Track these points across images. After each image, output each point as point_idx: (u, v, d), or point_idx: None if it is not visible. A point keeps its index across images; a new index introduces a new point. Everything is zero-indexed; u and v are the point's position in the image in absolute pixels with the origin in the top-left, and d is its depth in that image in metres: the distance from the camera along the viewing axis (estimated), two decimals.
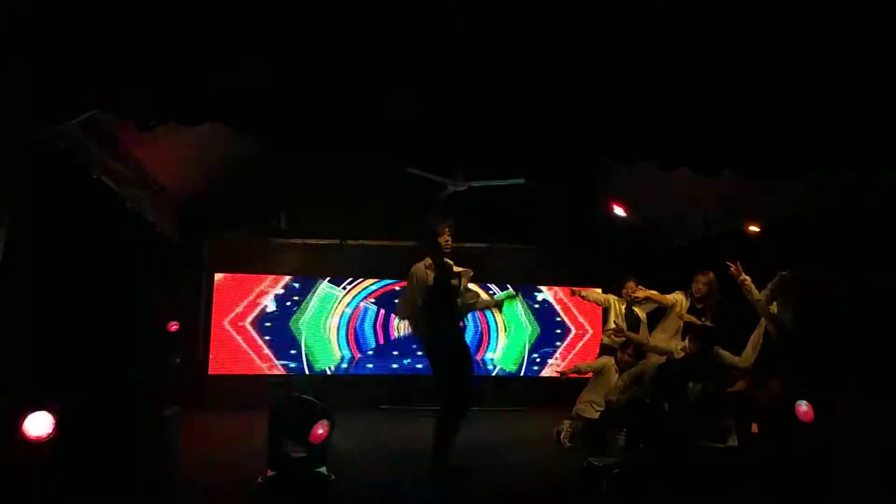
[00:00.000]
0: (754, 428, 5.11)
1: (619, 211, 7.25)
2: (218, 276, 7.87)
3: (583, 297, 6.39)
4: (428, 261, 4.62)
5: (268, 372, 7.85)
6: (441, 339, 4.56)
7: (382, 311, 8.29)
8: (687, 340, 5.38)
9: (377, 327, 8.27)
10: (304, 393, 4.00)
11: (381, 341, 8.26)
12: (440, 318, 4.56)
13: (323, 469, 3.74)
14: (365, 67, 3.67)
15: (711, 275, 5.62)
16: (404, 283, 7.99)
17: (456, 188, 6.96)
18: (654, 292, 5.90)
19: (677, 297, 5.75)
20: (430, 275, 4.56)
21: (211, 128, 3.94)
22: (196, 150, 5.72)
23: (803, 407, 4.26)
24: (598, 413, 5.49)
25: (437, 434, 4.47)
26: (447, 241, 4.64)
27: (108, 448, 3.48)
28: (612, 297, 6.30)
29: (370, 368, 8.20)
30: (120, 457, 3.50)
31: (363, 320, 8.25)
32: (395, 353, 8.26)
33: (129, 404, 3.77)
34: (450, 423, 4.48)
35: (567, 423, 5.68)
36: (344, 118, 3.78)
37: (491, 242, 8.11)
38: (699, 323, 5.56)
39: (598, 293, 6.41)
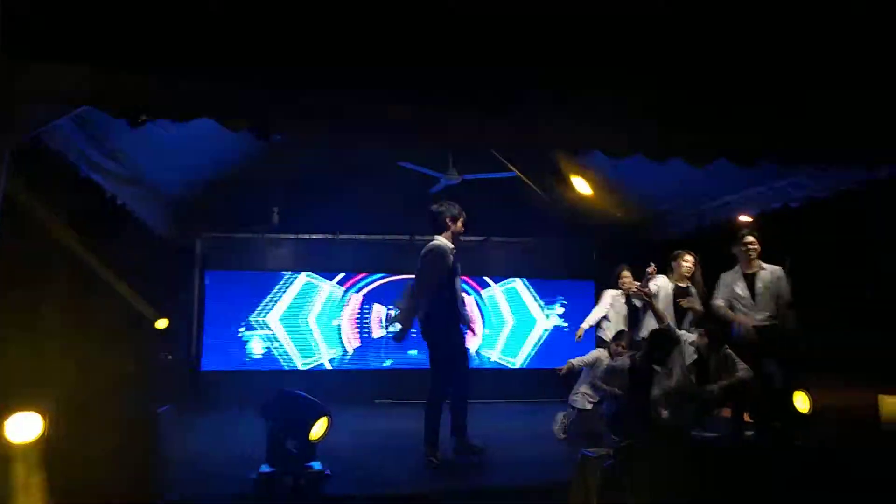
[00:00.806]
0: (745, 417, 5.16)
1: (583, 187, 6.87)
2: (210, 273, 7.86)
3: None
4: (447, 242, 4.65)
5: (261, 368, 7.85)
6: (450, 325, 4.61)
7: (377, 306, 8.29)
8: (697, 336, 5.35)
9: (372, 321, 8.27)
10: (300, 389, 4.01)
11: (376, 335, 8.27)
12: (451, 304, 4.62)
13: (317, 464, 3.74)
14: (357, 59, 3.65)
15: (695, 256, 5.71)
16: (396, 278, 8.17)
17: (449, 182, 6.97)
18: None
19: (660, 283, 5.67)
20: (451, 257, 4.58)
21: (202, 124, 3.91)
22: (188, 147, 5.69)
23: (800, 398, 4.31)
24: (592, 405, 5.51)
25: (427, 422, 4.56)
26: (462, 229, 4.73)
27: (99, 447, 3.47)
28: (608, 294, 6.30)
29: (365, 363, 8.20)
30: (111, 455, 3.48)
31: (357, 315, 8.24)
32: (390, 346, 8.26)
33: (120, 402, 3.75)
34: (435, 411, 4.57)
35: (561, 415, 5.70)
36: (337, 112, 3.77)
37: (485, 235, 8.12)
38: (695, 308, 5.54)
39: (594, 315, 6.39)
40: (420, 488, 4.12)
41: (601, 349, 5.94)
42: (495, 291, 8.63)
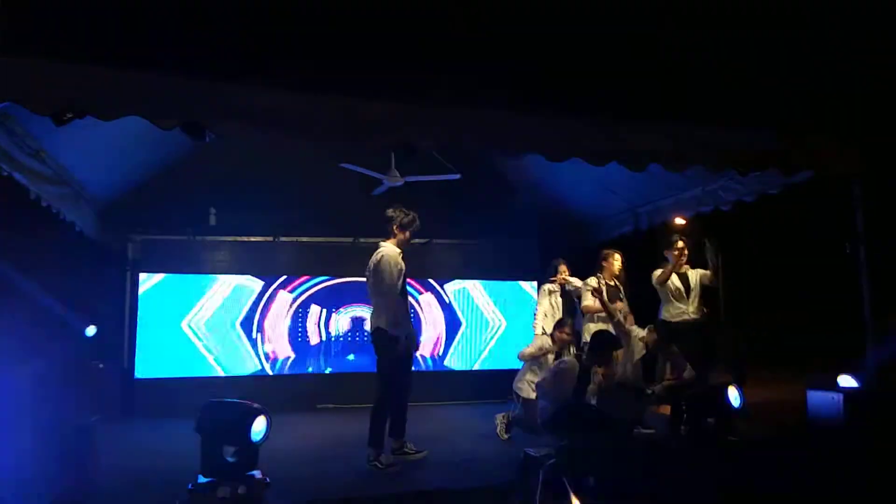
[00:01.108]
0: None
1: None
2: (143, 277, 7.56)
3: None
4: (397, 249, 4.71)
5: (197, 375, 7.60)
6: (403, 331, 4.64)
7: (318, 309, 8.16)
8: (647, 331, 5.52)
9: (313, 326, 8.13)
10: (239, 395, 3.91)
11: (317, 340, 8.13)
12: (403, 309, 4.69)
13: (257, 472, 3.64)
14: (291, 59, 3.59)
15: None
16: (339, 281, 8.07)
17: (391, 184, 6.93)
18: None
19: (591, 283, 5.92)
20: (402, 263, 4.67)
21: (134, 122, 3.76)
22: (116, 144, 5.46)
23: (733, 394, 4.48)
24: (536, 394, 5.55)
25: (375, 426, 4.55)
26: (409, 239, 4.81)
27: (27, 459, 3.29)
28: (546, 290, 6.37)
29: (306, 368, 8.06)
30: (39, 468, 3.31)
31: (299, 319, 8.09)
32: (332, 351, 8.14)
33: (48, 412, 3.57)
34: (385, 415, 4.60)
35: (500, 416, 5.71)
36: (274, 111, 3.69)
37: (428, 237, 8.11)
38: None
39: (541, 314, 6.36)
40: (363, 493, 4.08)
41: (544, 337, 5.98)
42: (440, 293, 8.62)
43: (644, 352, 5.47)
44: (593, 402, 5.05)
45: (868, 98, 4.01)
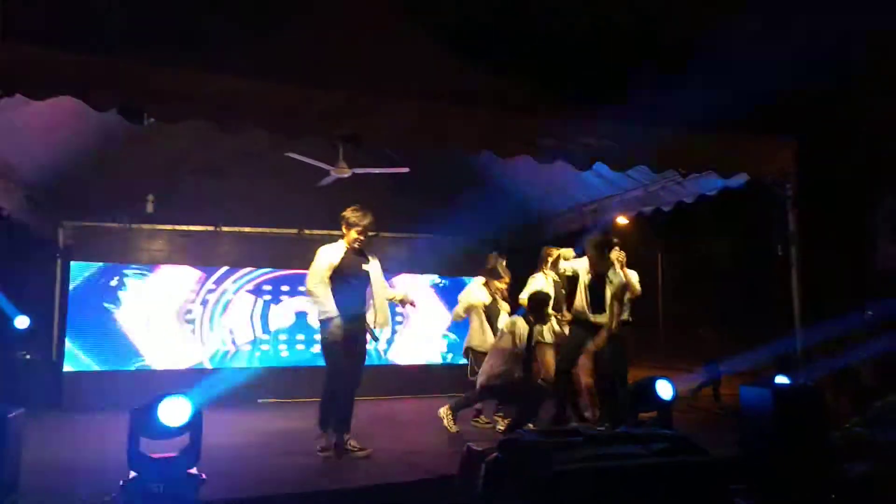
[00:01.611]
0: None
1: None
2: (74, 266, 7.24)
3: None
4: (342, 244, 4.80)
5: (130, 368, 7.34)
6: (338, 321, 4.63)
7: (260, 302, 7.99)
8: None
9: (255, 318, 7.96)
10: (176, 389, 3.77)
11: (259, 333, 7.97)
12: (345, 301, 4.68)
13: (193, 469, 3.53)
14: (240, 42, 3.50)
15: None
16: (283, 273, 7.93)
17: (339, 175, 6.84)
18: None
19: (538, 279, 6.03)
20: (340, 256, 4.71)
21: (65, 101, 3.59)
22: (48, 126, 5.20)
23: (663, 386, 4.60)
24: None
25: (324, 415, 4.62)
26: (353, 240, 4.79)
27: None
28: (477, 282, 6.38)
29: (247, 361, 7.89)
30: None
31: (239, 311, 7.91)
32: (274, 344, 8.00)
33: None
34: (333, 405, 4.64)
35: (443, 410, 5.67)
36: (217, 95, 3.58)
37: (376, 231, 8.04)
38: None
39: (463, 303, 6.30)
40: (302, 489, 4.02)
41: (475, 293, 6.08)
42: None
43: (588, 277, 5.67)
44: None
45: (803, 100, 4.19)
